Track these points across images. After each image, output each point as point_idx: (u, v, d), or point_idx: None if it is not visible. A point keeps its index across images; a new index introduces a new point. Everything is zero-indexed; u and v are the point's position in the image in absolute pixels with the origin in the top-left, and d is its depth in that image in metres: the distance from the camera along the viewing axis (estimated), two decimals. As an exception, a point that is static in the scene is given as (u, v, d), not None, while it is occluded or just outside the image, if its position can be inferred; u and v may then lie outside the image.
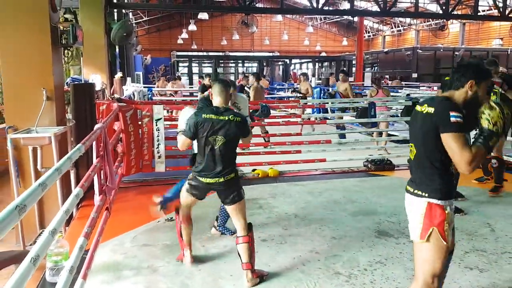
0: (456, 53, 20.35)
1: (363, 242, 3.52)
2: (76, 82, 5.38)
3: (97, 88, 6.33)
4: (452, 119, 1.87)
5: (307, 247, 3.42)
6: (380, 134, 7.77)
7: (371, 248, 3.41)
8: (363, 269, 3.05)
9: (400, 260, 3.18)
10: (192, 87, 17.09)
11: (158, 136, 5.14)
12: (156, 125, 5.10)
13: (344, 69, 19.16)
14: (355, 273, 2.99)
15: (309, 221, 4.02)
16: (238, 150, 3.03)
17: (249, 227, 2.90)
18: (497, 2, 13.39)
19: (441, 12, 13.42)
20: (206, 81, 9.80)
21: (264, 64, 24.33)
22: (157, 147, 5.15)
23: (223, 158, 2.81)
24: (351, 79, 22.20)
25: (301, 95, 9.79)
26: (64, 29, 4.36)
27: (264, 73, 23.06)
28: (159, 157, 5.19)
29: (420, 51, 21.22)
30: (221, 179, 2.82)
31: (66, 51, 4.94)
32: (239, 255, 2.86)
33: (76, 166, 4.34)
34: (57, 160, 3.80)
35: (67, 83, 5.67)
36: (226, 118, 2.79)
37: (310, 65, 27.72)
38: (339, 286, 2.81)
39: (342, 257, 3.24)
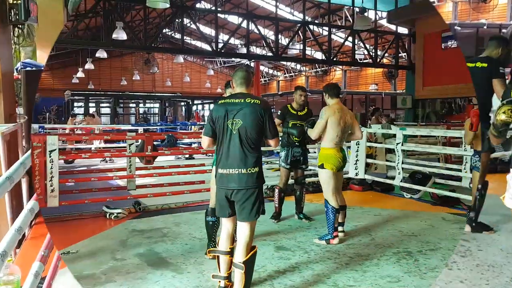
0: (340, 96, 22.81)
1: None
2: (28, 69, 4.51)
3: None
4: None
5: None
6: None
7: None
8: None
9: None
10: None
11: (52, 169, 4.90)
12: (50, 156, 4.87)
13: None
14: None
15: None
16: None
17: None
18: (370, 53, 15.72)
19: (325, 58, 15.24)
20: None
21: (166, 104, 24.33)
22: (51, 180, 4.89)
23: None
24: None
25: None
26: (14, 2, 3.59)
27: (166, 114, 23.06)
28: (52, 191, 4.91)
29: (310, 94, 23.32)
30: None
31: (16, 29, 4.07)
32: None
33: (28, 173, 3.69)
34: (6, 165, 3.22)
35: (17, 69, 4.89)
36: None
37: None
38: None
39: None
